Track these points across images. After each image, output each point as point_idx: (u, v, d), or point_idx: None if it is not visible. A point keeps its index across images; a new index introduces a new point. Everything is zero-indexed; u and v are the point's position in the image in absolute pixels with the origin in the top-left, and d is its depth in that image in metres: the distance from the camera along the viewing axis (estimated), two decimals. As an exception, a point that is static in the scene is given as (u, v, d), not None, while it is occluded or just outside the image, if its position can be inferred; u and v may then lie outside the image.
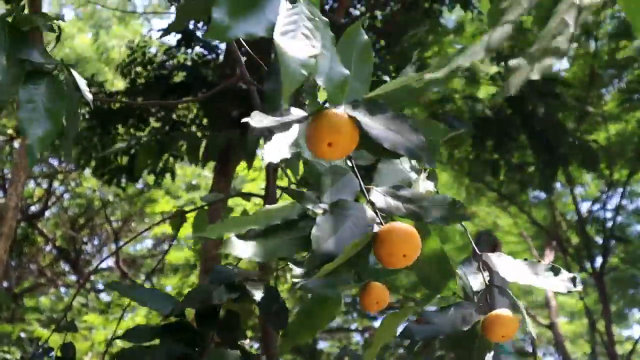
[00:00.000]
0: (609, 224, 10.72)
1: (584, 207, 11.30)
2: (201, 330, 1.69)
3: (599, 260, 10.56)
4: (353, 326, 13.19)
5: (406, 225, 1.20)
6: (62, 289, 14.37)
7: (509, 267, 1.40)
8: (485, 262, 1.45)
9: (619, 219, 10.93)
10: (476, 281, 1.48)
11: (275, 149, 1.18)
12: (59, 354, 3.02)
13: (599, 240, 10.82)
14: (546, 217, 11.23)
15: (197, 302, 1.69)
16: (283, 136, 1.21)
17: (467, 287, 1.47)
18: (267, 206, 1.33)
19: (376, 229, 1.21)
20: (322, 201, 1.28)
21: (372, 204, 1.28)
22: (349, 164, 1.37)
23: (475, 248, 1.49)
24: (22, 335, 9.84)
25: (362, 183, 1.33)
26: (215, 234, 1.24)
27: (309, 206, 1.28)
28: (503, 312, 1.36)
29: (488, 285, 1.45)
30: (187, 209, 3.58)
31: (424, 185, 1.52)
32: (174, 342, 1.63)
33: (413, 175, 1.53)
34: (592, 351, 11.82)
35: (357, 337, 13.19)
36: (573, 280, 1.35)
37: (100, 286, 15.20)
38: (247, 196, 3.93)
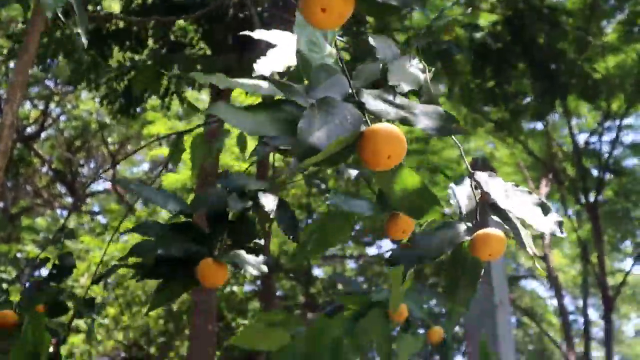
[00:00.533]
0: (605, 157, 10.73)
1: (581, 139, 11.30)
2: (212, 231, 1.69)
3: (593, 193, 10.61)
4: (348, 253, 13.27)
5: (392, 126, 1.19)
6: (59, 211, 14.42)
7: (502, 190, 1.39)
8: (478, 181, 1.43)
9: (615, 152, 10.93)
10: (468, 201, 1.47)
11: (268, 62, 1.17)
12: (56, 262, 3.04)
13: (595, 172, 10.85)
14: (543, 148, 11.23)
15: (210, 205, 1.70)
16: (277, 52, 1.19)
17: (457, 207, 1.46)
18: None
19: (362, 128, 1.20)
20: (311, 96, 1.26)
21: (361, 105, 1.26)
22: (340, 64, 1.34)
23: (469, 167, 1.47)
24: (19, 255, 9.89)
25: (351, 83, 1.31)
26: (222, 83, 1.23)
27: (297, 99, 1.27)
28: (489, 230, 1.34)
29: (478, 204, 1.43)
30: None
31: (434, 87, 1.51)
32: (184, 240, 1.64)
33: (422, 75, 1.51)
34: (584, 282, 11.93)
35: (351, 264, 13.28)
36: (560, 224, 1.32)
37: (97, 209, 15.26)
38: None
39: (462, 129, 1.29)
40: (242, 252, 1.67)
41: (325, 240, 1.75)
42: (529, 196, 1.37)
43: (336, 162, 1.21)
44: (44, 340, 2.57)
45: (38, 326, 2.57)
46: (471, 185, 1.45)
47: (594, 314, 14.51)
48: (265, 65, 1.17)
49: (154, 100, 8.51)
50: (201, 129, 3.32)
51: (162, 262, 1.64)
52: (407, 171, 1.40)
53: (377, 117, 1.27)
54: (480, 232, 1.34)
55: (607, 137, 10.96)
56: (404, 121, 1.25)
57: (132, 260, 1.73)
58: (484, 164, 6.47)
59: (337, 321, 2.64)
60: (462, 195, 1.47)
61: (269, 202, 1.69)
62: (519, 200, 1.36)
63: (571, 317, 13.39)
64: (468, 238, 1.36)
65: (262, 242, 1.71)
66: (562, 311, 11.88)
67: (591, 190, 10.63)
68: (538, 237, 12.64)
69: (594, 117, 11.22)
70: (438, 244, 1.37)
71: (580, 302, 13.10)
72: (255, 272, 1.64)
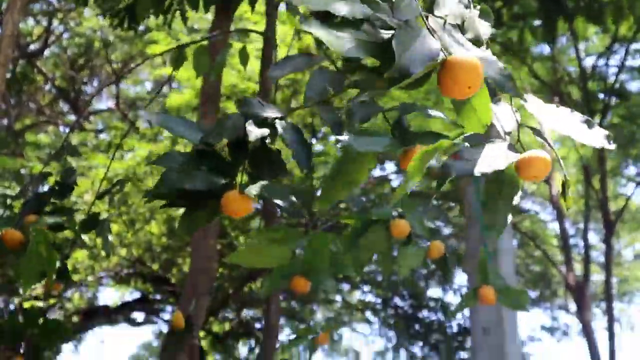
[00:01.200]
0: (611, 80, 10.66)
1: (588, 62, 11.21)
2: (233, 160, 1.68)
3: (598, 116, 10.57)
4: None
5: (473, 58, 1.21)
6: (62, 129, 14.40)
7: (544, 110, 1.39)
8: (524, 104, 1.43)
9: (622, 76, 10.85)
10: (509, 120, 1.47)
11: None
12: (58, 178, 3.05)
13: (601, 96, 10.79)
14: (549, 72, 11.15)
15: (229, 133, 1.67)
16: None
17: (499, 127, 1.46)
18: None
19: (443, 56, 1.22)
20: (395, 16, 1.28)
21: (433, 32, 1.27)
22: None
23: (518, 90, 1.47)
24: (22, 171, 9.91)
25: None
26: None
27: (383, 16, 1.26)
28: (538, 152, 1.35)
29: (520, 125, 1.44)
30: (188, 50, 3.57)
31: (480, 25, 1.50)
32: (207, 170, 1.63)
33: (466, 10, 1.51)
34: (586, 205, 11.97)
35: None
36: (607, 137, 1.35)
37: (100, 127, 15.25)
38: (247, 32, 3.89)
39: (518, 90, 1.31)
40: (267, 183, 1.66)
41: (348, 180, 1.74)
42: (572, 114, 1.39)
43: (419, 86, 1.22)
44: (51, 257, 2.60)
45: (44, 244, 2.60)
46: (512, 106, 1.45)
47: (594, 238, 14.61)
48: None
49: (158, 20, 8.43)
50: (204, 42, 3.30)
51: (186, 193, 1.64)
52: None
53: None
54: (528, 153, 1.36)
55: (614, 61, 10.88)
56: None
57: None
58: (516, 88, 6.43)
59: (336, 236, 2.66)
60: (502, 115, 1.47)
61: (286, 130, 1.67)
62: (563, 119, 1.37)
63: (572, 241, 13.47)
64: (517, 157, 1.36)
65: (283, 172, 1.70)
66: (563, 234, 11.95)
67: (596, 113, 10.59)
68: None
69: (601, 41, 11.12)
70: (490, 158, 1.36)
71: (582, 226, 13.17)
72: (284, 204, 1.65)
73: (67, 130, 14.05)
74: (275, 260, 2.45)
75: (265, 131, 1.62)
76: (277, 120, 1.67)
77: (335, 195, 1.77)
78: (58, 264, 2.71)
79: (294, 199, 1.66)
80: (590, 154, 11.57)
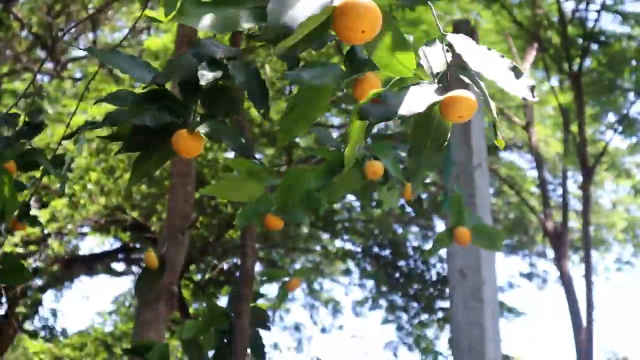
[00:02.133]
0: (591, 26, 10.64)
1: (568, 7, 11.18)
2: (185, 100, 1.66)
3: (577, 62, 10.57)
4: (330, 122, 13.27)
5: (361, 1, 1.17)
6: (39, 77, 14.29)
7: (474, 53, 1.37)
8: (450, 43, 1.41)
9: (602, 22, 10.84)
10: (439, 62, 1.44)
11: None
12: (26, 119, 3.01)
13: (580, 41, 10.77)
14: (529, 17, 11.11)
15: (180, 73, 1.66)
16: None
17: (428, 68, 1.43)
18: None
19: (335, 2, 1.18)
20: None
21: None
22: None
23: (441, 28, 1.44)
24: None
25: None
26: None
27: None
28: (461, 92, 1.32)
29: (449, 65, 1.41)
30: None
31: None
32: (157, 109, 1.61)
33: None
34: (565, 152, 12.02)
35: (335, 133, 13.30)
36: (532, 88, 1.32)
37: (78, 75, 15.13)
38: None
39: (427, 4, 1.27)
40: (218, 123, 1.65)
41: (305, 115, 1.73)
42: (501, 60, 1.37)
43: (312, 42, 1.19)
44: (12, 197, 2.57)
45: (7, 183, 2.57)
46: (443, 47, 1.43)
47: (572, 186, 14.69)
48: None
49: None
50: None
51: (137, 133, 1.62)
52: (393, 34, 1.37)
53: None
54: (451, 93, 1.33)
55: (594, 6, 10.84)
56: None
57: (108, 131, 1.71)
58: (466, 28, 6.41)
59: (311, 172, 2.65)
60: (432, 56, 1.44)
61: (239, 72, 1.64)
62: (491, 63, 1.35)
63: (550, 188, 13.53)
64: (438, 98, 1.34)
65: (239, 117, 1.69)
66: (541, 181, 12.00)
67: (575, 59, 10.59)
68: (521, 107, 12.68)
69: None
70: (408, 101, 1.34)
71: (560, 173, 13.23)
72: (232, 144, 1.62)
73: (44, 78, 13.95)
74: (248, 195, 2.44)
75: (218, 74, 1.60)
76: (230, 61, 1.64)
77: (294, 130, 1.76)
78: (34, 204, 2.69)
79: (242, 140, 1.64)
80: (570, 100, 11.59)
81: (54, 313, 15.62)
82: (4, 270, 2.80)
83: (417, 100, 1.33)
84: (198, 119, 1.66)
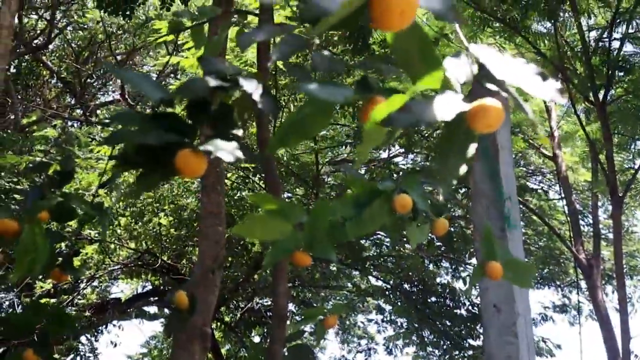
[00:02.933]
0: (614, 54, 10.59)
1: (591, 37, 11.13)
2: (192, 122, 1.66)
3: (603, 91, 10.52)
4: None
5: None
6: (69, 123, 14.44)
7: (499, 61, 1.37)
8: (474, 54, 1.41)
9: (625, 48, 10.79)
10: (464, 73, 1.44)
11: None
12: (57, 167, 3.04)
13: (604, 70, 10.73)
14: (552, 48, 11.10)
15: (189, 92, 1.66)
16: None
17: (454, 79, 1.43)
18: None
19: None
20: None
21: None
22: None
23: (465, 41, 1.45)
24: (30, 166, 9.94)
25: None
26: None
27: None
28: (488, 101, 1.32)
29: (475, 76, 1.41)
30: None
31: None
32: (163, 129, 1.62)
33: None
34: (593, 180, 11.93)
35: (361, 170, 13.27)
36: (560, 91, 1.32)
37: (107, 121, 15.26)
38: (243, 13, 3.90)
39: (461, 17, 1.27)
40: (219, 140, 1.65)
41: (304, 130, 1.73)
42: (526, 66, 1.36)
43: (349, 24, 1.20)
44: (43, 245, 2.60)
45: (38, 232, 2.59)
46: (467, 58, 1.43)
47: (602, 214, 14.56)
48: None
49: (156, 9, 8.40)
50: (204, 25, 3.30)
51: (142, 152, 1.62)
52: (419, 30, 1.38)
53: None
54: (478, 102, 1.33)
55: (617, 34, 10.82)
56: None
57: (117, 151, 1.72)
58: (459, 16, 6.39)
59: (339, 204, 2.65)
60: (458, 67, 1.45)
61: (249, 84, 1.66)
62: (516, 69, 1.35)
63: (580, 217, 13.41)
64: (465, 108, 1.34)
65: (239, 132, 1.69)
66: (571, 211, 11.91)
67: (600, 88, 10.54)
68: (547, 137, 12.62)
69: (603, 16, 11.06)
70: (435, 110, 1.35)
71: (590, 202, 13.13)
72: (228, 158, 1.61)
73: (74, 124, 14.10)
74: (277, 233, 2.44)
75: (224, 82, 1.61)
76: (239, 75, 1.66)
77: (288, 141, 1.76)
78: (66, 253, 2.71)
79: (240, 154, 1.64)
80: (597, 129, 11.53)
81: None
82: (51, 323, 2.83)
83: (444, 108, 1.34)
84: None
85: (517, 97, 1.37)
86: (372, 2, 1.17)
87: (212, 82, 1.60)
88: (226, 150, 1.62)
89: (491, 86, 1.38)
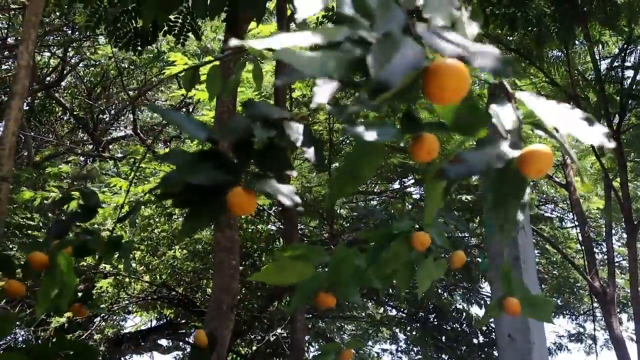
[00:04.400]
0: (628, 82, 10.62)
1: (603, 66, 11.17)
2: (237, 160, 1.67)
3: (616, 120, 10.53)
4: (370, 189, 13.26)
5: (456, 61, 1.21)
6: (82, 158, 14.54)
7: (545, 107, 1.40)
8: (518, 99, 1.43)
9: (638, 77, 10.80)
10: (510, 119, 1.46)
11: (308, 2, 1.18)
12: (80, 202, 3.08)
13: (618, 99, 10.74)
14: (564, 76, 11.13)
15: (234, 132, 1.68)
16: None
17: (500, 126, 1.46)
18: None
19: (426, 63, 1.21)
20: (375, 29, 1.26)
21: (418, 39, 1.26)
22: None
23: (509, 88, 1.48)
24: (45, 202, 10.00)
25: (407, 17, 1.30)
26: (256, 47, 1.23)
27: (362, 32, 1.26)
28: (538, 147, 1.35)
29: (521, 122, 1.43)
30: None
31: (469, 25, 1.50)
32: (211, 167, 1.63)
33: (456, 11, 1.51)
34: (608, 210, 11.90)
35: (375, 202, 13.28)
36: (607, 135, 1.31)
37: (120, 155, 15.35)
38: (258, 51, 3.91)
39: (519, 71, 1.30)
40: (273, 181, 1.66)
41: (356, 175, 1.75)
42: (572, 111, 1.38)
43: (405, 97, 1.23)
44: (70, 280, 2.64)
45: (66, 266, 2.64)
46: (513, 105, 1.46)
47: (617, 243, 14.50)
48: (306, 4, 1.19)
49: (170, 39, 8.44)
50: (216, 63, 3.33)
51: (189, 191, 1.64)
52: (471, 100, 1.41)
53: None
54: (529, 147, 1.36)
55: (630, 63, 10.84)
56: (459, 58, 1.24)
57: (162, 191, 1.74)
58: (502, 90, 6.43)
59: (357, 253, 2.66)
60: (503, 114, 1.47)
61: (294, 130, 1.69)
62: (562, 115, 1.37)
63: (594, 244, 13.37)
64: (517, 153, 1.37)
65: (292, 173, 1.70)
66: (584, 239, 11.88)
67: (614, 116, 10.55)
68: (560, 165, 12.62)
69: (615, 43, 11.09)
70: (487, 158, 1.37)
71: (604, 231, 13.09)
72: (288, 202, 1.62)
73: (86, 159, 14.17)
74: (298, 276, 2.45)
75: (272, 133, 1.63)
76: (284, 121, 1.68)
77: (344, 190, 1.77)
78: (81, 288, 2.75)
79: (297, 198, 1.66)
80: (610, 159, 11.52)
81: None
82: (74, 355, 2.84)
83: (495, 156, 1.37)
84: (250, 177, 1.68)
85: (565, 144, 1.39)
86: (427, 79, 1.20)
87: (260, 132, 1.62)
88: (284, 194, 1.64)
89: (540, 132, 1.41)
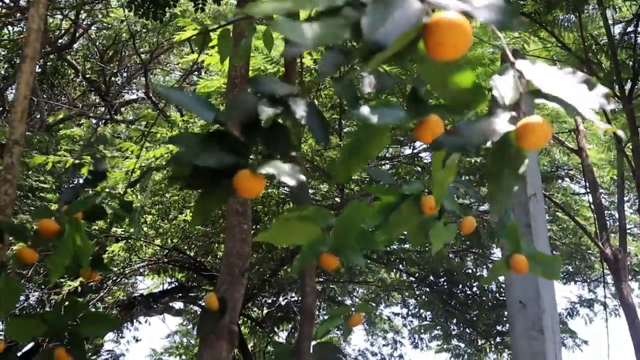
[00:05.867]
0: (640, 48, 10.53)
1: (616, 30, 11.05)
2: (246, 139, 1.68)
3: (629, 85, 10.45)
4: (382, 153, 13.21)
5: (456, 15, 1.18)
6: (94, 121, 14.54)
7: (545, 75, 1.38)
8: (520, 70, 1.42)
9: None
10: (510, 91, 1.45)
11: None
12: (91, 167, 3.10)
13: (630, 64, 10.65)
14: (576, 41, 11.03)
15: (241, 112, 1.67)
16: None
17: (500, 98, 1.45)
18: None
19: (425, 19, 1.19)
20: None
21: None
22: None
23: (510, 55, 1.46)
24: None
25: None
26: (257, 12, 1.22)
27: None
28: (534, 118, 1.33)
29: (522, 94, 1.41)
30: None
31: None
32: (219, 149, 1.63)
33: None
34: (620, 175, 11.85)
35: (386, 166, 13.25)
36: (606, 96, 1.31)
37: (132, 117, 15.36)
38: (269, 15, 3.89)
39: (524, 22, 1.27)
40: (278, 162, 1.66)
41: (364, 153, 1.74)
42: (572, 75, 1.36)
43: (403, 57, 1.21)
44: (86, 246, 2.66)
45: (79, 232, 2.65)
46: (514, 75, 1.44)
47: (629, 210, 14.47)
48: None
49: (186, 4, 8.42)
50: (228, 27, 3.32)
51: (198, 173, 1.65)
52: (459, 67, 1.40)
53: (437, 9, 1.24)
54: (525, 120, 1.34)
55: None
56: (464, 13, 1.22)
57: (171, 171, 1.75)
58: (515, 56, 6.40)
59: (367, 208, 2.65)
60: (505, 85, 1.46)
61: (299, 108, 1.68)
62: (562, 82, 1.35)
63: (606, 213, 13.34)
64: (513, 127, 1.36)
65: (296, 153, 1.69)
66: (596, 206, 11.84)
67: (626, 82, 10.46)
68: (572, 131, 12.57)
69: (629, 8, 10.98)
70: (482, 131, 1.37)
71: (616, 198, 13.05)
72: (292, 182, 1.62)
73: (98, 122, 14.18)
74: (305, 237, 2.45)
75: (278, 109, 1.63)
76: (290, 97, 1.68)
77: (351, 169, 1.77)
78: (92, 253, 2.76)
79: (302, 177, 1.66)
80: (623, 123, 11.45)
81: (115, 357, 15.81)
82: (85, 322, 2.87)
83: (491, 129, 1.37)
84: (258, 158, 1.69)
85: (574, 106, 1.37)
86: (427, 37, 1.18)
87: (265, 109, 1.61)
88: (288, 174, 1.64)
89: (540, 100, 1.40)
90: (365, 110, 1.51)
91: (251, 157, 1.67)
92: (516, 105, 1.41)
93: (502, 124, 1.37)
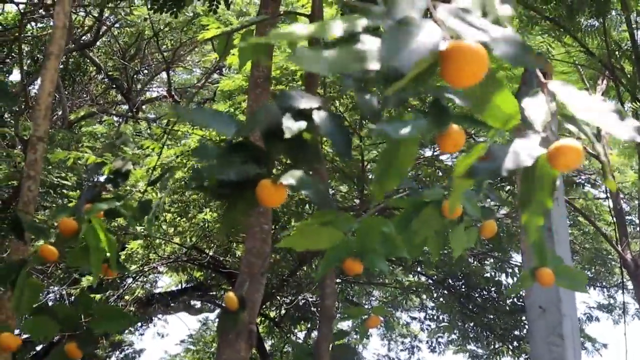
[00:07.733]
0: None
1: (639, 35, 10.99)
2: (268, 151, 1.67)
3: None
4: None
5: (474, 43, 1.18)
6: (115, 119, 14.60)
7: (576, 100, 1.37)
8: (551, 91, 1.41)
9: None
10: (542, 115, 1.45)
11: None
12: (113, 167, 3.11)
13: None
14: (600, 45, 10.98)
15: (264, 125, 1.67)
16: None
17: (532, 121, 1.44)
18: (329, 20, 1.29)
19: (443, 46, 1.19)
20: (391, 17, 1.23)
21: (439, 22, 1.23)
22: None
23: (540, 75, 1.45)
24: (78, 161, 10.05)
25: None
26: (278, 38, 1.22)
27: (378, 21, 1.24)
28: (567, 141, 1.33)
29: (553, 115, 1.42)
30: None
31: (500, 6, 1.47)
32: (241, 161, 1.64)
33: None
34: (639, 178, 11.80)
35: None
36: (638, 129, 1.31)
37: (152, 115, 15.41)
38: (292, 15, 3.89)
39: (541, 60, 1.28)
40: (299, 172, 1.68)
41: (396, 169, 1.74)
42: (604, 103, 1.36)
43: (421, 83, 1.21)
44: (111, 243, 2.67)
45: (102, 231, 2.67)
46: (546, 97, 1.43)
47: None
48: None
49: (204, 6, 8.43)
50: (251, 27, 3.33)
51: (223, 184, 1.66)
52: (500, 86, 1.40)
53: (454, 37, 1.24)
54: (558, 143, 1.35)
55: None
56: (482, 45, 1.21)
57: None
58: (539, 61, 6.37)
59: (386, 221, 2.65)
60: (535, 106, 1.45)
61: (324, 122, 1.67)
62: (593, 108, 1.35)
63: (627, 218, 13.25)
64: (544, 151, 1.36)
65: (321, 165, 1.70)
66: (617, 211, 11.77)
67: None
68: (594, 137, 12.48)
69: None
70: (517, 156, 1.36)
71: (637, 203, 12.98)
72: (312, 195, 1.66)
73: (120, 119, 14.23)
74: (327, 242, 2.45)
75: (302, 125, 1.62)
76: (314, 111, 1.67)
77: (388, 185, 1.76)
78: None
79: (323, 188, 1.66)
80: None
81: (134, 354, 15.87)
82: (99, 317, 2.88)
83: (523, 153, 1.36)
84: (280, 168, 1.68)
85: (594, 140, 1.37)
86: (444, 64, 1.18)
87: (290, 125, 1.60)
88: (310, 187, 1.65)
89: (570, 126, 1.39)
90: (383, 124, 1.51)
91: (276, 167, 1.67)
92: (546, 126, 1.40)
93: (534, 147, 1.37)
